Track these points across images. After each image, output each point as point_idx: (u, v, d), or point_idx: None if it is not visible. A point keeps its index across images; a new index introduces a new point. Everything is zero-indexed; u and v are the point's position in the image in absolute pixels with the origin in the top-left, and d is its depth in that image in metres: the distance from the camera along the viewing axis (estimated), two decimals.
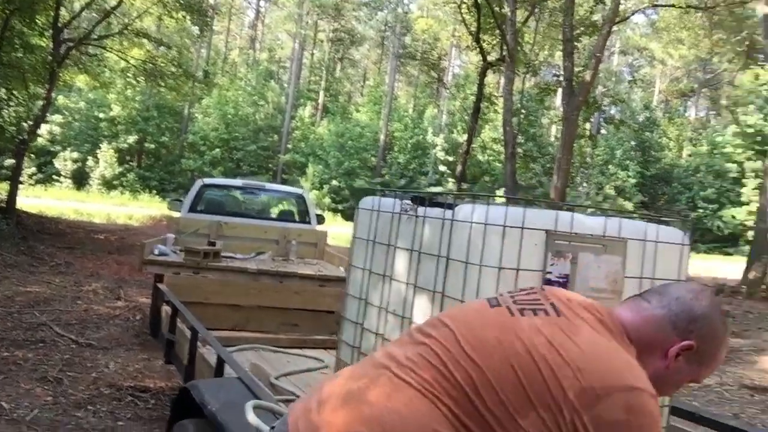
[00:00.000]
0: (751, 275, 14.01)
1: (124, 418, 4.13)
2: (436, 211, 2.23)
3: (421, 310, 2.19)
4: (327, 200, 32.07)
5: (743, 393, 6.52)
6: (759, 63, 21.20)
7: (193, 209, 7.17)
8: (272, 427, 1.33)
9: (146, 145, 33.56)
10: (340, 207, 32.75)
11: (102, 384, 4.67)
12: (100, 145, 31.65)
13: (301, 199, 8.33)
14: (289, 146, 36.16)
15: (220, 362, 2.69)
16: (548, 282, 2.00)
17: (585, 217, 2.15)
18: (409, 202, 2.42)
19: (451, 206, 2.17)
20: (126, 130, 32.53)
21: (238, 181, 8.89)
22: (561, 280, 2.03)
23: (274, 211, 10.46)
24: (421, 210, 2.31)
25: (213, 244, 5.74)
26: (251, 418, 1.69)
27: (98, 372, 4.96)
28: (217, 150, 33.41)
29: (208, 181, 8.05)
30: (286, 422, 1.25)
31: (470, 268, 1.97)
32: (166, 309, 4.24)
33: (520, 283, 1.94)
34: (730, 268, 17.25)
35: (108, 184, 30.85)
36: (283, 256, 6.47)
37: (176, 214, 7.66)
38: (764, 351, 8.32)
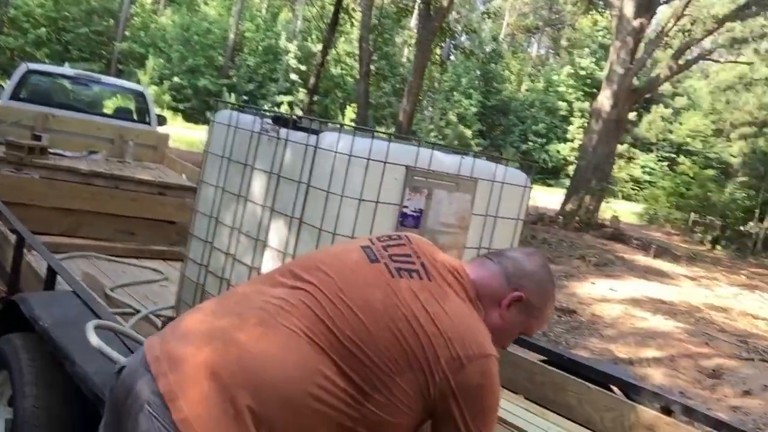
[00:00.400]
0: (568, 207, 15.41)
1: None
2: (299, 135, 2.18)
3: (278, 235, 2.16)
4: (167, 98, 30.11)
5: (553, 314, 7.30)
6: (599, 10, 22.58)
7: (15, 97, 6.44)
8: (121, 368, 1.26)
9: None
10: (181, 107, 30.98)
11: None
12: None
13: (141, 97, 7.79)
14: (127, 34, 33.17)
15: (51, 272, 2.51)
16: (404, 216, 2.07)
17: (442, 155, 2.22)
18: (270, 122, 2.34)
19: (315, 132, 2.13)
20: None
21: (69, 70, 8.03)
22: (415, 214, 2.10)
23: (110, 107, 9.70)
24: (283, 132, 2.25)
25: (38, 138, 5.24)
26: (94, 340, 1.60)
27: None
28: (43, 29, 29.83)
29: (34, 66, 7.23)
30: (141, 360, 1.20)
31: (331, 197, 1.97)
32: None
33: (378, 215, 1.98)
34: (551, 199, 18.82)
35: None
36: (118, 157, 6.07)
37: None
38: (573, 276, 9.32)
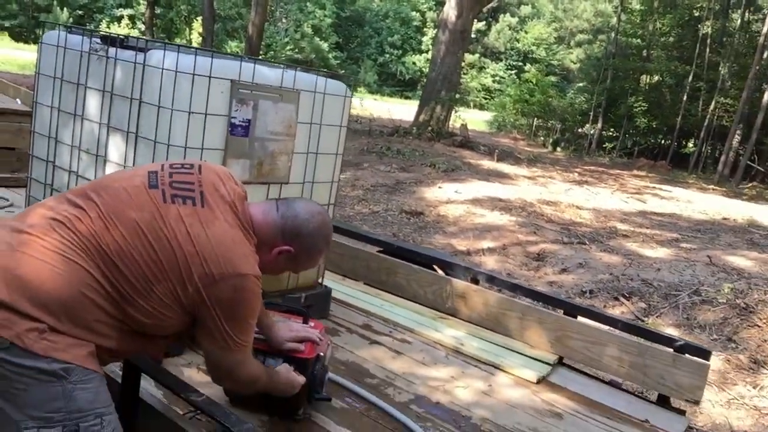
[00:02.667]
0: (421, 118, 16.03)
1: None
2: (128, 54, 2.31)
3: (117, 150, 2.33)
4: None
5: (402, 217, 7.87)
6: None
7: None
8: None
9: None
10: (7, 24, 28.14)
11: None
12: None
13: None
14: None
15: None
16: (233, 126, 2.30)
17: (266, 69, 2.45)
18: (98, 41, 2.44)
19: (143, 50, 2.27)
20: None
21: None
22: (244, 124, 2.35)
23: None
24: (111, 51, 2.37)
25: None
26: None
27: None
28: None
29: None
30: None
31: (162, 111, 2.16)
32: None
33: (208, 126, 2.20)
34: (407, 110, 19.40)
35: None
36: None
37: None
38: (423, 182, 9.94)
